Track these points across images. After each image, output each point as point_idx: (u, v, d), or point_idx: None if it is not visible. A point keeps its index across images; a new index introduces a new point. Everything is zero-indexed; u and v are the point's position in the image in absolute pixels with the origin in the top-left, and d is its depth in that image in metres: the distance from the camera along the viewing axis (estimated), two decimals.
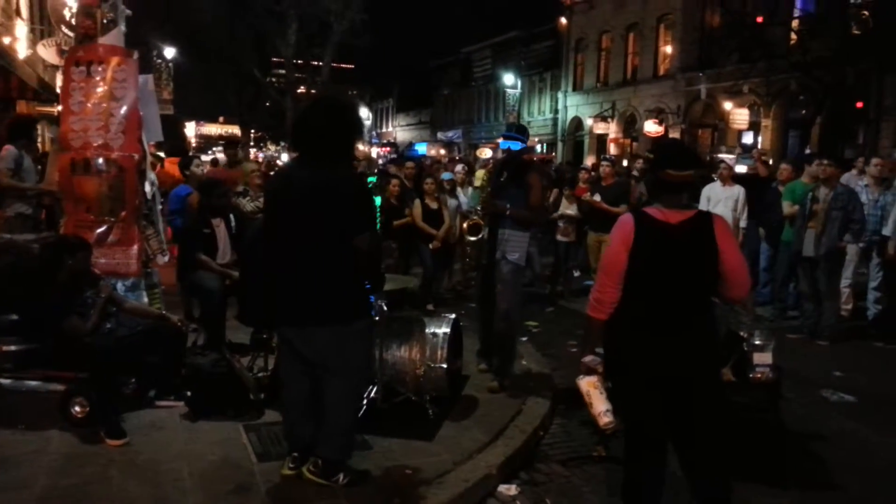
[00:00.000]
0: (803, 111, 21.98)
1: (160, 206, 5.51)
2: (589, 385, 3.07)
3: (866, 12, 17.76)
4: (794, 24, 20.73)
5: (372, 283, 3.60)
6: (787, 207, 7.28)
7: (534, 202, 5.08)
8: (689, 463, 2.99)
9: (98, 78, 4.99)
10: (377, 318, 4.32)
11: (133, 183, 5.05)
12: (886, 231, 7.21)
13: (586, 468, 4.17)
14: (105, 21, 5.01)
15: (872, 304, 7.67)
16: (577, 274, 10.14)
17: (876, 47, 17.45)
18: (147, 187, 5.19)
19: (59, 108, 5.31)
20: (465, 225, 5.44)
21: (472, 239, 5.19)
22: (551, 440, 4.61)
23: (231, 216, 5.94)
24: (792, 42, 20.16)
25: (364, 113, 47.35)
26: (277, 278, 3.47)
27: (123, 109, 5.00)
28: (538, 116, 37.59)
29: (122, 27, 5.16)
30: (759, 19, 21.11)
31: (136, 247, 5.10)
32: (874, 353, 6.88)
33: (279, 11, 18.13)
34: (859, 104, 20.10)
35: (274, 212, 3.57)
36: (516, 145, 5.20)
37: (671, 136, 26.81)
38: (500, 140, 5.34)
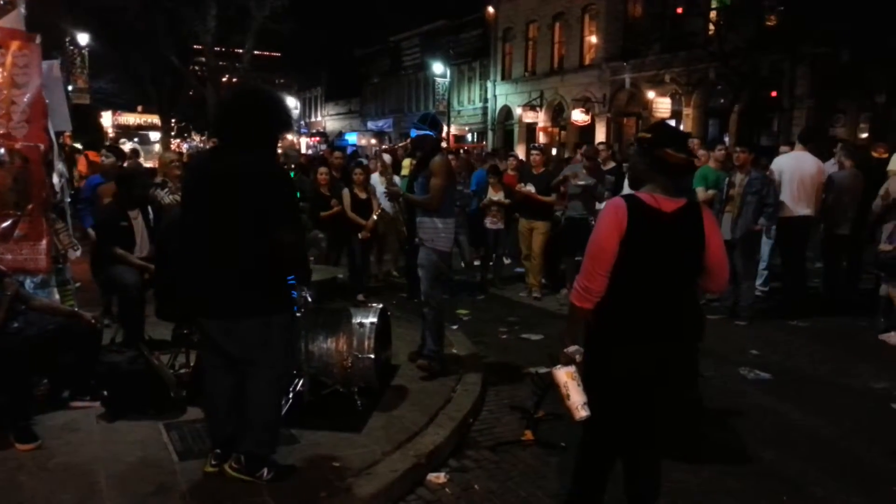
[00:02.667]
0: (722, 100, 22.77)
1: (68, 199, 5.23)
2: (567, 376, 2.93)
3: (780, 6, 18.51)
4: (712, 15, 21.42)
5: (298, 275, 3.53)
6: (701, 193, 7.52)
7: (430, 188, 5.09)
8: (638, 459, 3.04)
9: None
10: (302, 310, 4.24)
11: (40, 175, 4.79)
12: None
13: (515, 453, 4.19)
14: (2, 2, 4.71)
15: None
16: (507, 261, 10.23)
17: (787, 39, 18.20)
18: (55, 179, 4.93)
19: None
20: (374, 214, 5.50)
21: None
22: (480, 427, 4.62)
23: (149, 208, 5.74)
24: (710, 33, 20.82)
25: (292, 102, 46.48)
26: (197, 269, 3.35)
27: (27, 97, 4.72)
28: (468, 105, 37.73)
29: (22, 9, 4.85)
30: (679, 10, 21.74)
31: (44, 242, 4.84)
32: (789, 331, 7.17)
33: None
34: (773, 93, 20.97)
35: (192, 200, 3.43)
36: (413, 133, 5.26)
37: (597, 125, 27.41)
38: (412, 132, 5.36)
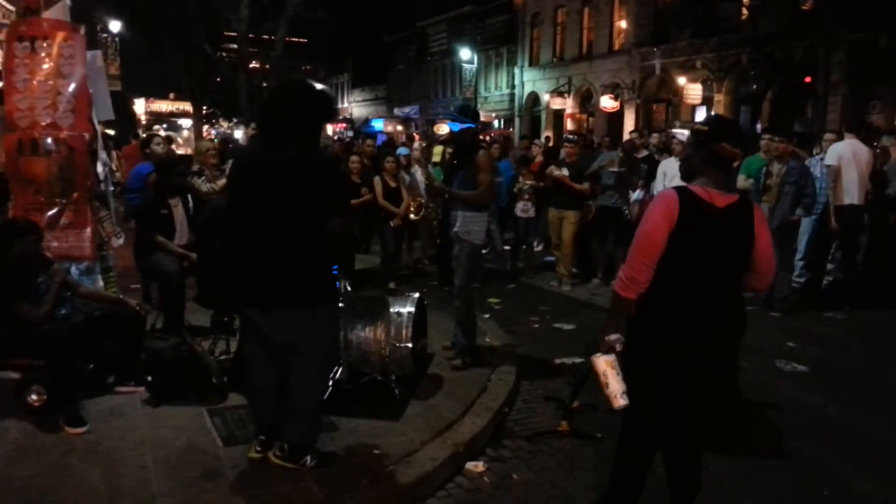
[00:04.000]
0: (754, 86, 22.36)
1: (112, 188, 5.33)
2: (607, 364, 2.94)
3: None
4: None
5: (342, 266, 3.57)
6: (742, 181, 7.44)
7: (480, 183, 5.07)
8: (678, 448, 3.05)
9: (43, 54, 4.78)
10: (343, 302, 4.29)
11: (84, 163, 4.88)
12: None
13: (551, 443, 4.22)
14: None
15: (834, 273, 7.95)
16: (538, 248, 10.20)
17: (822, 23, 17.81)
18: (99, 167, 5.03)
19: (2, 85, 5.09)
20: (411, 205, 5.42)
21: (413, 217, 5.16)
22: (516, 416, 4.66)
23: (189, 196, 5.83)
24: (743, 17, 20.44)
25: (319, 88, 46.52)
26: (245, 260, 3.39)
27: (72, 87, 4.80)
28: (495, 92, 37.50)
29: (68, 1, 4.94)
30: None
31: (89, 229, 4.94)
32: (825, 323, 7.10)
33: None
34: (807, 79, 20.56)
35: (242, 191, 3.47)
36: (456, 126, 5.17)
37: (626, 111, 27.11)
38: (448, 122, 5.29)
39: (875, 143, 8.70)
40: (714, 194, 2.79)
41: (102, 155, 5.13)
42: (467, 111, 5.29)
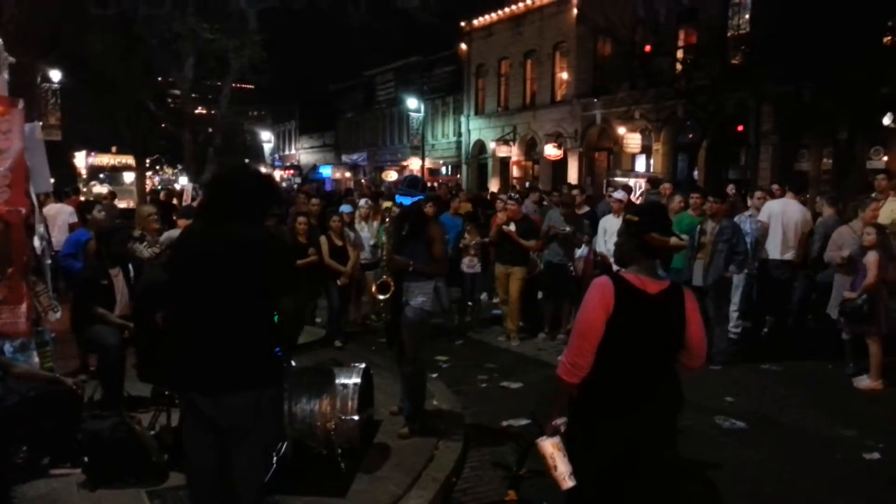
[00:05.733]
0: (690, 136, 23.28)
1: (48, 261, 5.22)
2: (553, 447, 3.02)
3: (744, 46, 19.08)
4: (679, 54, 22.00)
5: (287, 346, 3.57)
6: (675, 239, 7.71)
7: (437, 255, 5.18)
8: None
9: None
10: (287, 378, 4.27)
11: (21, 238, 4.76)
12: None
13: None
14: None
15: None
16: (483, 296, 10.27)
17: (752, 78, 18.74)
18: (36, 242, 4.92)
19: None
20: (373, 286, 5.43)
21: (382, 298, 5.16)
22: (463, 485, 4.67)
23: (129, 266, 5.75)
24: (677, 72, 21.35)
25: (266, 135, 46.50)
26: (191, 342, 3.34)
27: (8, 162, 4.70)
28: (442, 139, 38.04)
29: (6, 75, 4.89)
30: (647, 49, 22.25)
31: (24, 305, 4.79)
32: (762, 375, 7.33)
33: (175, 49, 17.50)
34: (740, 128, 21.52)
35: (189, 273, 3.43)
36: (408, 200, 5.27)
37: (570, 159, 27.80)
38: (397, 196, 5.41)
39: (807, 194, 9.15)
40: (646, 281, 2.95)
41: (40, 229, 5.03)
42: (416, 184, 5.42)
